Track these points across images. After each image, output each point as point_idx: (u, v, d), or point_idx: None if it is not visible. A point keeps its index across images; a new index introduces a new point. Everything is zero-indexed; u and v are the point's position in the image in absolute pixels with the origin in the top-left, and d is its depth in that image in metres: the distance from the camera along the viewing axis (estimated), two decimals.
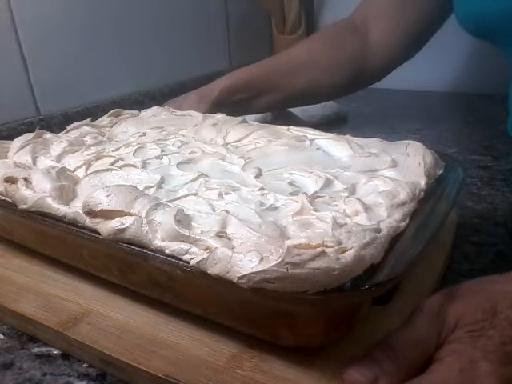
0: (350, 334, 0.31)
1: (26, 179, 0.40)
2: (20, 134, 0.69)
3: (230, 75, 0.71)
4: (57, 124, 0.62)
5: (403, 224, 0.31)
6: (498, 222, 0.50)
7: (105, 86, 0.85)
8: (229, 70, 1.15)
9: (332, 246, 0.27)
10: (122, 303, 0.36)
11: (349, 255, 0.26)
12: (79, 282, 0.39)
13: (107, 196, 0.34)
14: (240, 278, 0.26)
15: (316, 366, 0.29)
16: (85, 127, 0.56)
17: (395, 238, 0.30)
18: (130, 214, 0.33)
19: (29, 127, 0.72)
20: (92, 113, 0.70)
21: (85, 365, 0.33)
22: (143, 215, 0.32)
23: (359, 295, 0.26)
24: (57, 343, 0.35)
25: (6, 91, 0.71)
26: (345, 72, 0.70)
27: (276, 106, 0.73)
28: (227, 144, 0.49)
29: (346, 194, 0.36)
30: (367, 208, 0.32)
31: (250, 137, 0.49)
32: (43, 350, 0.35)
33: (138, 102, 0.87)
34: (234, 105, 0.68)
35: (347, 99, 0.85)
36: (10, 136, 0.69)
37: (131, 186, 0.36)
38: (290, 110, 0.80)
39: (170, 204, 0.35)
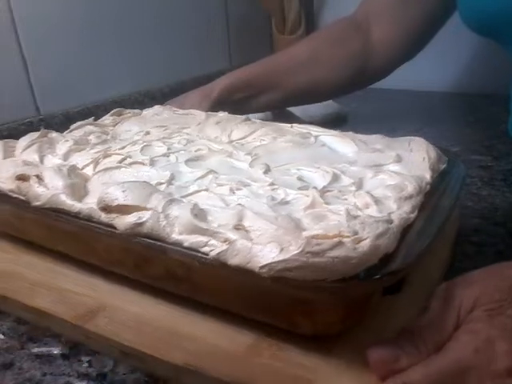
0: (363, 323, 0.32)
1: (38, 176, 0.40)
2: (20, 133, 0.68)
3: (231, 74, 0.72)
4: (57, 124, 0.63)
5: (412, 216, 0.32)
6: (498, 221, 0.50)
7: (105, 85, 0.86)
8: (229, 69, 1.15)
9: (348, 236, 0.28)
10: (136, 297, 0.37)
11: (365, 244, 0.27)
12: (91, 277, 0.40)
13: (123, 191, 0.35)
14: (261, 267, 0.27)
15: (333, 353, 0.30)
16: (88, 126, 0.57)
17: (405, 229, 0.31)
18: (147, 209, 0.34)
19: (29, 127, 0.72)
20: (92, 112, 0.70)
21: (85, 365, 0.33)
22: (160, 210, 0.33)
23: (377, 282, 0.27)
24: (73, 336, 0.35)
25: (6, 91, 0.71)
26: (346, 71, 0.70)
27: (276, 105, 0.74)
28: (232, 141, 0.50)
29: (353, 188, 0.37)
30: (377, 201, 0.33)
31: (255, 134, 0.50)
32: (43, 350, 0.35)
33: (139, 101, 0.87)
34: (234, 104, 0.69)
35: (347, 99, 0.85)
36: (10, 136, 0.68)
37: (145, 181, 0.37)
38: (290, 109, 0.80)
39: (183, 199, 0.36)
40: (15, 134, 0.69)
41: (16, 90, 0.73)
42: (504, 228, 0.49)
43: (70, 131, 0.56)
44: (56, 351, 0.35)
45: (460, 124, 0.86)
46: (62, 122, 0.58)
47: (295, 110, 0.81)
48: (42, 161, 0.46)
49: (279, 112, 0.78)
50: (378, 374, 0.27)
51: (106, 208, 0.35)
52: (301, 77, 0.70)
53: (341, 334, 0.31)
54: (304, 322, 0.30)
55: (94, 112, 0.62)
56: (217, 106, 0.67)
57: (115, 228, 0.34)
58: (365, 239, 0.28)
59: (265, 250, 0.28)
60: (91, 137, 0.54)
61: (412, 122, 0.82)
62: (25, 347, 0.36)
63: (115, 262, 0.37)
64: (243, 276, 0.29)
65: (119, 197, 0.35)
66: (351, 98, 0.82)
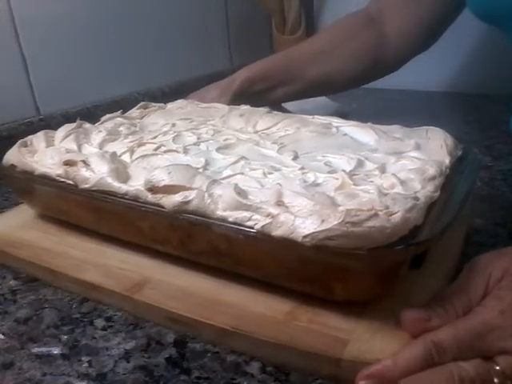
0: (391, 292, 0.35)
1: (84, 162, 0.43)
2: (20, 134, 0.68)
3: (250, 67, 0.74)
4: (57, 124, 0.61)
5: (436, 195, 0.36)
6: (498, 222, 0.50)
7: (105, 85, 0.86)
8: (229, 69, 1.17)
9: (381, 210, 0.31)
10: (179, 272, 0.40)
11: (397, 217, 0.31)
12: (134, 255, 0.43)
13: (168, 173, 0.38)
14: (304, 237, 0.30)
15: (364, 318, 0.33)
16: (118, 118, 0.60)
17: (430, 207, 0.35)
18: (192, 189, 0.37)
19: (29, 127, 0.73)
20: (92, 113, 0.71)
21: (85, 365, 0.34)
22: (204, 189, 0.36)
23: (409, 250, 0.31)
24: (122, 307, 0.39)
25: (6, 91, 0.72)
26: (360, 63, 0.72)
27: (293, 97, 0.76)
28: (257, 132, 0.53)
29: (377, 172, 0.40)
30: (402, 182, 0.37)
31: (279, 125, 0.53)
32: (43, 350, 0.35)
33: (139, 101, 0.85)
34: (252, 96, 0.71)
35: (347, 99, 0.86)
36: (10, 136, 0.70)
37: (188, 164, 0.40)
38: (290, 110, 0.81)
39: (222, 181, 0.39)
40: (15, 134, 0.71)
41: (16, 90, 0.74)
42: (504, 228, 0.49)
43: (101, 123, 0.59)
44: (56, 351, 0.35)
45: (460, 124, 0.86)
46: (61, 123, 0.59)
47: (292, 109, 0.82)
48: (79, 149, 0.49)
49: (276, 109, 0.80)
50: (410, 332, 0.30)
51: (153, 189, 0.38)
52: (316, 69, 0.72)
53: (371, 301, 0.34)
54: (339, 289, 0.33)
55: (94, 112, 0.62)
56: (237, 98, 0.69)
57: (162, 207, 0.37)
58: (396, 212, 0.31)
59: (307, 221, 0.31)
60: (121, 128, 0.57)
61: (412, 122, 0.82)
62: (25, 347, 0.36)
63: (160, 239, 0.40)
64: (286, 247, 0.32)
65: (165, 178, 0.38)
66: (351, 97, 0.82)
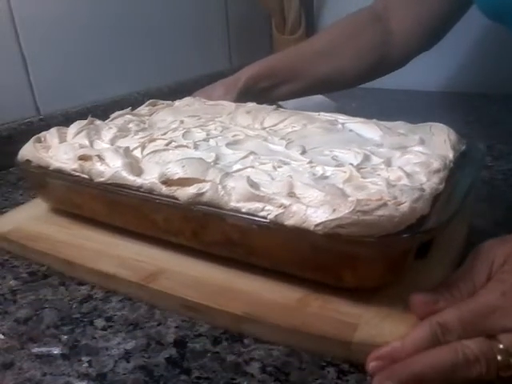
0: (398, 281, 0.36)
1: (98, 156, 0.44)
2: (20, 134, 0.72)
3: (254, 65, 0.75)
4: (57, 124, 0.61)
5: (441, 187, 0.37)
6: (498, 222, 0.50)
7: (105, 85, 0.87)
8: (229, 69, 1.18)
9: (390, 200, 0.33)
10: (192, 262, 0.41)
11: (405, 206, 0.32)
12: (148, 247, 0.44)
13: (182, 167, 0.40)
14: (316, 225, 0.32)
15: (373, 304, 0.35)
16: (127, 115, 0.61)
17: (435, 198, 0.36)
18: (206, 181, 0.38)
19: (29, 127, 0.74)
20: (92, 112, 0.69)
21: (85, 365, 0.34)
22: (218, 181, 0.38)
23: (416, 238, 0.32)
24: (138, 296, 0.40)
25: (6, 91, 0.73)
26: (365, 60, 0.73)
27: (297, 94, 0.77)
28: (265, 128, 0.54)
29: (383, 166, 0.41)
30: (408, 174, 0.38)
31: (286, 121, 0.55)
32: (43, 350, 0.35)
33: (138, 101, 0.84)
34: (257, 93, 0.73)
35: (347, 99, 0.86)
36: (10, 136, 0.72)
37: (200, 158, 0.42)
38: (285, 107, 0.83)
39: (234, 174, 0.40)
40: (15, 134, 0.72)
41: (16, 89, 0.74)
42: (504, 228, 0.48)
43: (111, 120, 0.60)
44: (56, 351, 0.35)
45: (459, 124, 0.84)
46: (61, 123, 0.59)
47: (291, 109, 0.83)
48: (91, 145, 0.51)
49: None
50: (418, 314, 0.32)
51: (167, 182, 0.40)
52: (322, 67, 0.73)
53: (379, 288, 0.36)
54: (349, 277, 0.35)
55: (94, 112, 0.62)
56: (243, 95, 0.70)
57: (176, 199, 0.39)
58: (403, 203, 0.33)
59: (318, 211, 0.32)
60: (131, 125, 0.58)
61: (412, 122, 0.83)
62: (25, 347, 0.36)
63: (174, 231, 0.41)
64: (298, 236, 0.33)
65: (180, 171, 0.39)
66: (350, 97, 0.82)
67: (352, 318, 0.34)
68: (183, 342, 0.35)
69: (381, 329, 0.33)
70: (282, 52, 0.79)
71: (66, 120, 0.69)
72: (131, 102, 0.73)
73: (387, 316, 0.34)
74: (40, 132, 0.54)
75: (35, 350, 0.35)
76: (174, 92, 0.89)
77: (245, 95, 0.71)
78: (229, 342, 0.35)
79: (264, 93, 0.74)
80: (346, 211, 0.31)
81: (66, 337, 0.37)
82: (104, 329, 0.37)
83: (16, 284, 0.44)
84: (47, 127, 0.61)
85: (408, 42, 0.72)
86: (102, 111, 0.59)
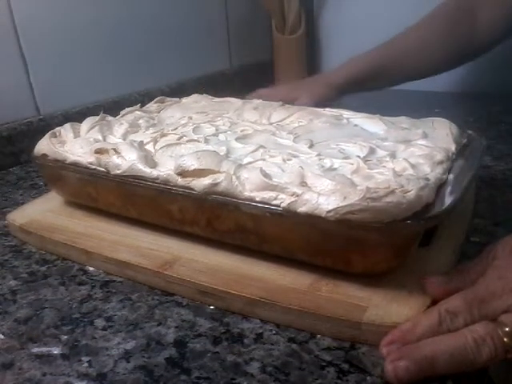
0: (403, 268, 0.38)
1: (115, 150, 0.46)
2: (20, 134, 0.74)
3: (349, 63, 0.79)
4: (57, 124, 0.62)
5: (444, 177, 0.39)
6: (498, 221, 0.50)
7: (105, 86, 0.87)
8: (229, 69, 1.20)
9: (397, 188, 0.34)
10: (206, 251, 0.43)
11: (411, 194, 0.34)
12: (163, 237, 0.46)
13: (198, 159, 0.41)
14: (328, 212, 0.34)
15: (380, 288, 0.37)
16: (137, 112, 0.63)
17: (439, 188, 0.38)
18: (220, 172, 0.40)
19: (29, 127, 0.75)
20: (92, 113, 0.70)
21: (85, 365, 0.34)
22: (232, 172, 0.40)
23: (423, 223, 0.34)
24: (155, 283, 0.42)
25: (6, 91, 0.73)
26: (453, 54, 0.77)
27: (385, 87, 0.82)
28: (272, 123, 0.56)
29: (388, 158, 0.43)
30: (413, 166, 0.40)
31: (292, 117, 0.56)
32: (43, 349, 0.35)
33: (138, 101, 0.83)
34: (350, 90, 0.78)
35: (347, 98, 0.87)
36: (10, 136, 0.73)
37: (214, 151, 0.43)
38: None
39: (247, 166, 0.42)
40: (15, 134, 0.73)
41: (16, 90, 0.75)
42: (504, 228, 0.49)
43: (122, 116, 0.62)
44: (56, 351, 0.35)
45: (459, 124, 0.85)
46: (61, 123, 0.59)
47: None
48: (104, 140, 0.53)
49: None
50: (432, 293, 0.35)
51: (182, 173, 0.42)
52: (413, 63, 0.77)
53: (385, 274, 0.38)
54: (358, 262, 0.36)
55: (94, 112, 0.63)
56: (339, 92, 0.75)
57: (192, 190, 0.41)
58: (410, 191, 0.34)
59: (330, 198, 0.34)
60: (141, 121, 0.60)
61: None
62: (24, 347, 0.36)
63: (189, 221, 0.43)
64: (310, 223, 0.35)
65: (195, 163, 0.41)
66: (351, 97, 0.83)
67: (361, 301, 0.36)
68: (183, 342, 0.36)
69: (388, 310, 0.34)
70: (373, 49, 0.80)
71: (65, 120, 0.69)
72: (131, 102, 0.74)
73: (393, 299, 0.36)
74: (40, 132, 0.55)
75: (35, 350, 0.36)
76: (175, 92, 0.90)
77: (342, 93, 0.76)
78: (229, 341, 0.35)
79: (355, 88, 0.78)
80: (357, 198, 0.33)
81: (65, 337, 0.37)
82: (104, 329, 0.37)
83: (16, 284, 0.44)
84: (47, 127, 0.63)
85: (494, 31, 0.75)
86: (103, 111, 0.60)
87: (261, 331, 0.36)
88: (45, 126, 0.75)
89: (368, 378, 0.32)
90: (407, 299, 0.36)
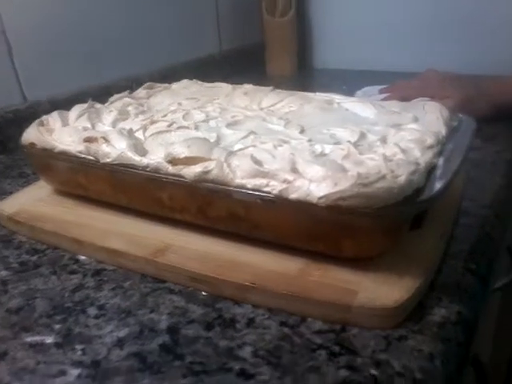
0: (392, 251, 0.39)
1: (104, 138, 0.46)
2: (7, 122, 0.72)
3: None
4: (44, 111, 0.60)
5: (435, 161, 0.39)
6: (485, 204, 0.51)
7: (92, 72, 0.86)
8: (219, 53, 1.18)
9: (387, 174, 0.35)
10: (197, 238, 0.43)
11: (402, 179, 0.34)
12: (153, 225, 0.46)
13: (188, 147, 0.41)
14: (320, 198, 0.34)
15: (370, 272, 0.37)
16: (126, 99, 0.62)
17: (429, 172, 0.38)
18: (211, 160, 0.40)
19: (16, 115, 0.74)
20: (79, 99, 0.69)
21: (78, 353, 0.34)
22: (222, 160, 0.39)
23: (413, 207, 0.34)
24: (147, 271, 0.42)
25: None
26: None
27: None
28: (263, 109, 0.56)
29: (379, 143, 0.43)
30: (403, 150, 0.40)
31: (283, 102, 0.56)
32: (36, 339, 0.35)
33: (127, 87, 0.82)
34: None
35: (339, 81, 0.88)
36: None
37: (205, 138, 0.43)
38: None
39: (237, 153, 0.42)
40: (2, 122, 0.72)
41: (1, 77, 0.73)
42: (491, 210, 0.50)
43: (111, 103, 0.61)
44: (49, 340, 0.35)
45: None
46: (48, 110, 0.58)
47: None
48: (93, 128, 0.52)
49: None
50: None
51: (173, 161, 0.41)
52: None
53: (375, 258, 0.38)
54: (348, 247, 0.37)
55: (81, 99, 0.62)
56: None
57: (183, 177, 0.40)
58: (401, 175, 0.35)
59: (321, 185, 0.34)
60: (130, 108, 0.59)
61: None
62: (17, 337, 0.36)
63: (179, 208, 0.43)
64: (301, 209, 0.35)
65: (185, 151, 0.41)
66: (342, 79, 0.83)
67: (351, 285, 0.36)
68: (176, 329, 0.36)
69: (378, 293, 0.35)
70: None
71: (53, 107, 0.68)
72: (119, 88, 0.73)
73: (384, 282, 0.36)
74: (27, 119, 0.54)
75: (28, 339, 0.36)
76: (165, 77, 0.89)
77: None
78: (221, 327, 0.36)
79: None
80: (347, 184, 0.33)
81: (58, 326, 0.37)
82: (97, 317, 0.38)
83: (7, 274, 0.44)
84: (34, 114, 0.62)
85: None
86: (90, 97, 0.59)
87: (252, 316, 0.37)
88: (32, 113, 0.74)
89: (358, 359, 0.32)
90: (397, 282, 0.36)
